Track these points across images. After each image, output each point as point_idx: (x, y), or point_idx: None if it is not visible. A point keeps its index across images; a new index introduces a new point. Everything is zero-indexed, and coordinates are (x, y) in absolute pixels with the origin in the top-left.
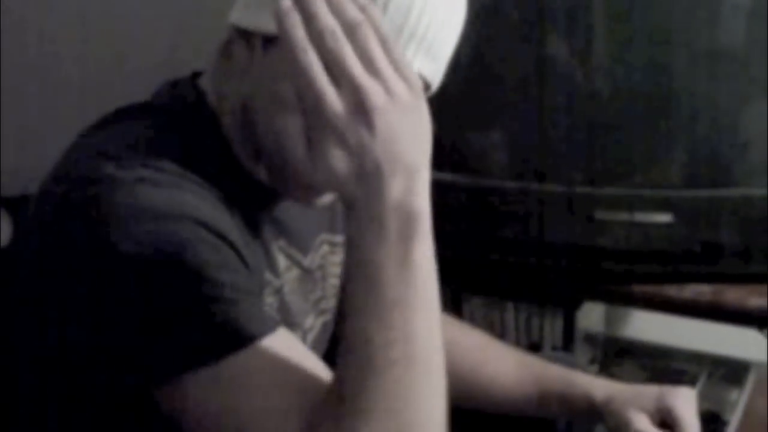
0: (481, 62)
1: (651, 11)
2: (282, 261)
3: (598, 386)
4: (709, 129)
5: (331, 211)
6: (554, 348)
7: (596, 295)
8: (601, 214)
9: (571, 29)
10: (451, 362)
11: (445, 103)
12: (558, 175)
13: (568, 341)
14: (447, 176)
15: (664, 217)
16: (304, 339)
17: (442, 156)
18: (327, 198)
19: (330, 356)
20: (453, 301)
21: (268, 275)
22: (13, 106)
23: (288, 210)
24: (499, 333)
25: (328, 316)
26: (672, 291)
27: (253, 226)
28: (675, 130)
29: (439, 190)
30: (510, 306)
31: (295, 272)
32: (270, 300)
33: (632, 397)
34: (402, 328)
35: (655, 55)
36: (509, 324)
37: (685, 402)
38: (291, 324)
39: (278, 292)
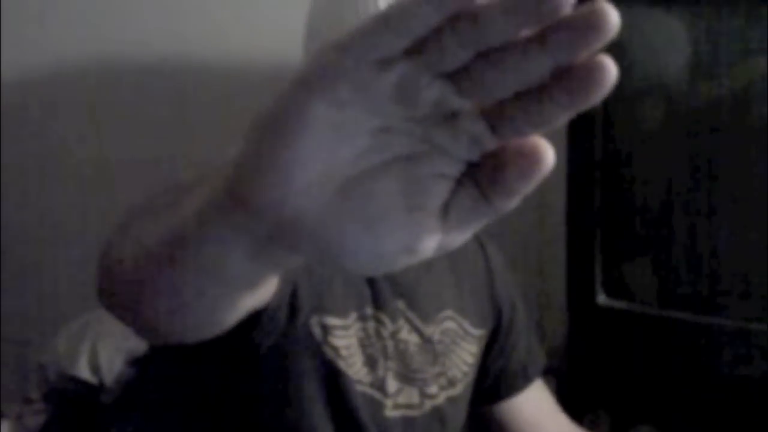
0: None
1: None
2: (401, 322)
3: None
4: None
5: (478, 305)
6: None
7: None
8: None
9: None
10: None
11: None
12: (733, 310)
13: None
14: (619, 304)
15: None
16: (423, 404)
17: (616, 285)
18: None
19: None
20: (619, 428)
21: (370, 310)
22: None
23: (413, 277)
24: None
25: (454, 392)
26: None
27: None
28: None
29: (611, 319)
30: None
31: (415, 337)
32: (386, 344)
33: None
34: None
35: None
36: None
37: None
38: (411, 379)
39: (393, 336)
